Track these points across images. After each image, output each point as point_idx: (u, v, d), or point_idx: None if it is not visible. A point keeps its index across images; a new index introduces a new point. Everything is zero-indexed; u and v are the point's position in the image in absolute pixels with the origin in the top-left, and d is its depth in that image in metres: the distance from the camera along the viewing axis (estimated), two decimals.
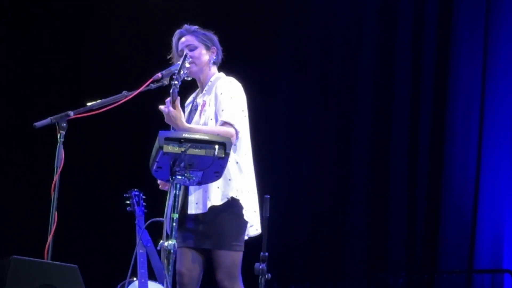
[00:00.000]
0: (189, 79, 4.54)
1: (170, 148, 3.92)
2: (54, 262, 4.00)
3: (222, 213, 4.33)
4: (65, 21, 8.60)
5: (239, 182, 4.39)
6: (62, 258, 4.08)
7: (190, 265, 4.38)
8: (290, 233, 8.18)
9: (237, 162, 4.41)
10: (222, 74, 4.61)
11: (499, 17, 7.64)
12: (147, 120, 8.03)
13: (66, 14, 8.61)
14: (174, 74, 4.26)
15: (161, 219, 4.09)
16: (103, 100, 4.38)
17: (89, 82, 8.38)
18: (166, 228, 4.23)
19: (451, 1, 7.83)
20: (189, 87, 4.66)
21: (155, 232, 4.47)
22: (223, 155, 3.96)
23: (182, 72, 4.22)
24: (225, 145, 3.97)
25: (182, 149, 3.91)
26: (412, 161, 7.83)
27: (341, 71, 8.31)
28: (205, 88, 4.57)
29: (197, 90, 4.67)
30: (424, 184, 7.75)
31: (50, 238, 4.13)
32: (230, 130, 4.33)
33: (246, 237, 4.44)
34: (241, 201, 4.38)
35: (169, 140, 3.92)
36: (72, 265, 3.89)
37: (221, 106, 4.41)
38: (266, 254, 4.19)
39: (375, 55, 8.14)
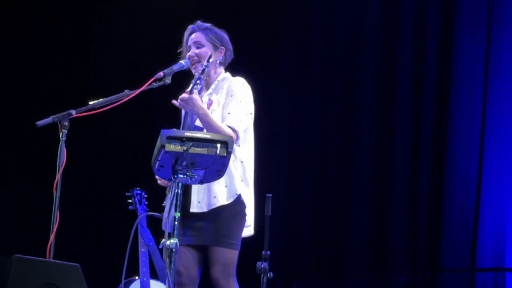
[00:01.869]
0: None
1: (172, 147, 3.92)
2: (56, 261, 4.00)
3: (226, 210, 4.34)
4: (68, 21, 8.60)
5: (242, 181, 4.40)
6: (64, 257, 4.09)
7: (188, 263, 4.37)
8: (292, 232, 8.18)
9: (241, 162, 4.44)
10: (228, 74, 4.62)
11: (502, 19, 7.63)
12: (149, 119, 8.06)
13: (69, 13, 8.61)
14: (198, 74, 4.29)
15: (156, 214, 4.09)
16: (105, 99, 4.38)
17: (91, 81, 8.39)
18: (167, 226, 4.26)
19: (453, 3, 7.83)
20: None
21: (156, 231, 4.49)
22: (225, 154, 3.96)
23: (204, 74, 4.29)
24: (227, 143, 3.97)
25: (184, 148, 3.91)
26: (414, 159, 7.82)
27: (343, 71, 8.30)
28: (212, 87, 4.57)
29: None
30: (426, 182, 7.74)
31: (52, 237, 4.13)
32: (233, 135, 4.34)
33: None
34: (245, 200, 4.40)
35: (171, 138, 3.92)
36: (74, 264, 3.89)
37: (228, 108, 4.43)
38: (268, 252, 4.19)
39: (377, 57, 8.14)
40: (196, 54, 4.55)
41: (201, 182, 4.18)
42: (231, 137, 4.14)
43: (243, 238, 4.44)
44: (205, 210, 4.34)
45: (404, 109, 7.93)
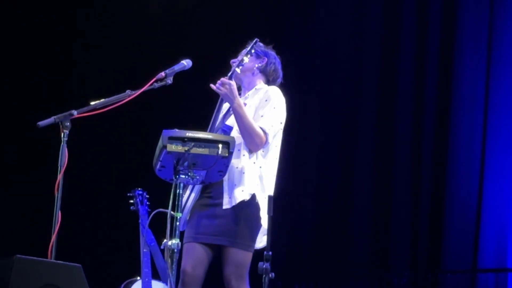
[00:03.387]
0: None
1: (174, 147, 3.92)
2: (58, 261, 3.99)
3: (243, 212, 4.32)
4: (68, 20, 8.60)
5: (259, 185, 4.37)
6: (66, 257, 4.08)
7: (197, 263, 4.34)
8: (294, 232, 8.18)
9: (260, 167, 4.41)
10: (269, 87, 4.59)
11: (503, 17, 7.63)
12: (150, 119, 8.05)
13: (70, 13, 8.61)
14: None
15: (166, 210, 4.07)
16: (106, 99, 4.38)
17: (93, 81, 8.38)
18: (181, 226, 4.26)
19: (455, 3, 7.82)
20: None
21: (158, 231, 4.48)
22: (227, 154, 3.96)
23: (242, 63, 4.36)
24: (229, 144, 3.97)
25: (186, 148, 3.92)
26: (416, 160, 7.82)
27: (345, 71, 8.30)
28: (248, 93, 4.57)
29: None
30: (428, 183, 7.74)
31: (53, 237, 4.13)
32: (262, 136, 4.33)
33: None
34: (259, 203, 4.37)
35: (172, 139, 3.93)
36: (76, 264, 3.88)
37: (262, 111, 4.42)
38: (270, 253, 4.18)
39: (379, 59, 8.14)
40: (237, 60, 4.54)
41: (203, 182, 4.18)
42: (233, 138, 4.13)
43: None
44: (230, 206, 4.32)
45: (406, 110, 7.93)
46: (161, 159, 3.98)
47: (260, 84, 4.61)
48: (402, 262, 7.73)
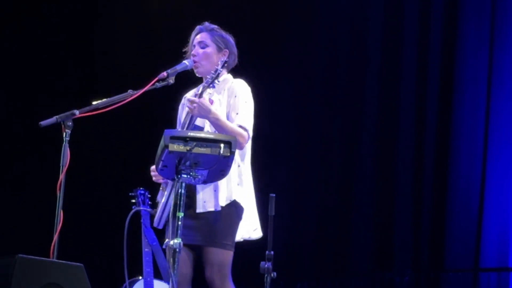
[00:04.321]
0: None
1: (176, 147, 3.92)
2: (60, 261, 4.00)
3: (220, 213, 4.33)
4: (70, 21, 8.61)
5: (240, 185, 4.40)
6: (68, 257, 4.09)
7: (182, 262, 4.32)
8: (295, 232, 8.18)
9: (238, 166, 4.43)
10: (230, 76, 4.62)
11: (505, 18, 7.62)
12: (152, 119, 8.05)
13: (72, 14, 8.62)
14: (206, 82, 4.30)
15: (147, 209, 4.09)
16: (108, 99, 4.39)
17: (95, 81, 8.39)
18: (160, 223, 4.34)
19: (456, 2, 7.82)
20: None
21: (160, 230, 4.48)
22: (229, 154, 3.96)
23: (218, 77, 4.31)
24: (231, 143, 3.97)
25: (188, 148, 3.91)
26: (418, 159, 7.82)
27: (346, 72, 8.30)
28: (212, 89, 4.56)
29: (198, 87, 4.65)
30: (430, 182, 7.73)
31: (55, 237, 4.13)
32: (244, 134, 4.35)
33: (241, 239, 4.44)
34: (242, 204, 4.39)
35: (174, 138, 3.93)
36: (78, 263, 3.89)
37: (236, 109, 4.43)
38: (272, 252, 4.19)
39: (381, 58, 8.12)
40: (198, 54, 4.56)
41: (205, 182, 4.18)
42: (235, 137, 4.14)
43: (250, 240, 4.44)
44: (200, 210, 4.33)
45: (408, 110, 7.92)
46: (163, 158, 3.98)
47: (224, 75, 4.57)
48: (404, 261, 7.73)
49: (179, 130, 4.23)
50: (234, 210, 4.36)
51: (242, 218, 4.41)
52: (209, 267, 4.34)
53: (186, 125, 4.41)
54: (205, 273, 4.35)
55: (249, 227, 4.45)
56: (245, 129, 4.37)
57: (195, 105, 4.26)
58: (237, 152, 4.39)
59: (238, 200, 4.37)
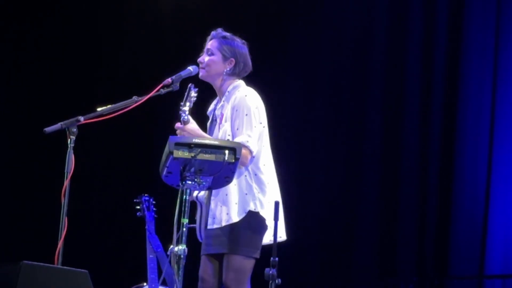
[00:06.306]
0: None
1: (180, 153, 3.93)
2: (65, 267, 4.00)
3: (239, 224, 4.33)
4: (76, 27, 8.62)
5: (258, 194, 4.38)
6: (73, 263, 4.09)
7: (212, 272, 4.42)
8: (300, 238, 8.16)
9: (255, 174, 4.41)
10: (240, 83, 4.56)
11: (510, 20, 7.61)
12: (157, 125, 8.06)
13: (75, 20, 8.63)
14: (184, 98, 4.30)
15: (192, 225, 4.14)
16: (113, 105, 4.39)
17: (100, 87, 8.39)
18: (202, 236, 4.35)
19: (461, 5, 7.81)
20: (207, 92, 4.66)
21: (165, 237, 4.48)
22: (233, 160, 3.96)
23: (187, 105, 4.28)
24: (235, 150, 3.97)
25: (192, 154, 3.92)
26: (422, 164, 7.80)
27: (351, 73, 8.29)
28: (223, 99, 4.54)
29: (217, 98, 4.64)
30: (434, 189, 7.72)
31: (60, 243, 4.13)
32: (245, 152, 4.28)
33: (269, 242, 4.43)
34: (261, 213, 4.38)
35: (179, 145, 3.93)
36: (83, 270, 3.89)
37: (236, 124, 4.39)
38: (276, 259, 4.18)
39: (385, 61, 8.12)
40: (204, 61, 4.55)
41: (209, 188, 4.18)
42: (239, 143, 4.14)
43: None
44: (221, 225, 4.35)
45: (413, 114, 7.91)
46: (167, 165, 3.98)
47: (232, 84, 4.54)
48: (409, 267, 7.72)
49: (183, 136, 4.23)
50: (253, 220, 4.35)
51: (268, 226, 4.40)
52: (226, 273, 4.35)
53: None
54: (223, 279, 4.37)
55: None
56: (245, 146, 4.30)
57: (184, 133, 4.29)
58: (254, 161, 4.37)
59: (255, 211, 4.35)
